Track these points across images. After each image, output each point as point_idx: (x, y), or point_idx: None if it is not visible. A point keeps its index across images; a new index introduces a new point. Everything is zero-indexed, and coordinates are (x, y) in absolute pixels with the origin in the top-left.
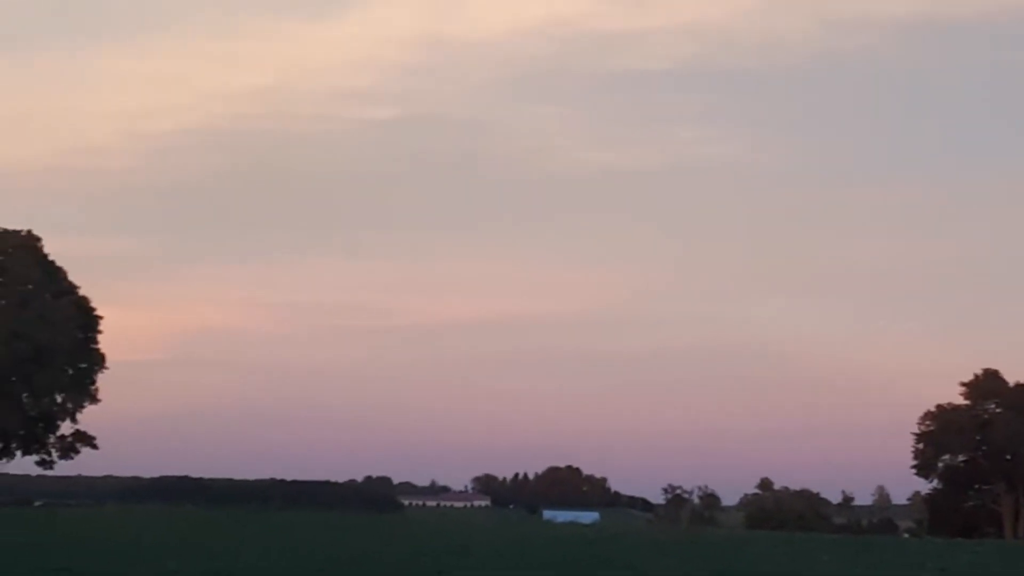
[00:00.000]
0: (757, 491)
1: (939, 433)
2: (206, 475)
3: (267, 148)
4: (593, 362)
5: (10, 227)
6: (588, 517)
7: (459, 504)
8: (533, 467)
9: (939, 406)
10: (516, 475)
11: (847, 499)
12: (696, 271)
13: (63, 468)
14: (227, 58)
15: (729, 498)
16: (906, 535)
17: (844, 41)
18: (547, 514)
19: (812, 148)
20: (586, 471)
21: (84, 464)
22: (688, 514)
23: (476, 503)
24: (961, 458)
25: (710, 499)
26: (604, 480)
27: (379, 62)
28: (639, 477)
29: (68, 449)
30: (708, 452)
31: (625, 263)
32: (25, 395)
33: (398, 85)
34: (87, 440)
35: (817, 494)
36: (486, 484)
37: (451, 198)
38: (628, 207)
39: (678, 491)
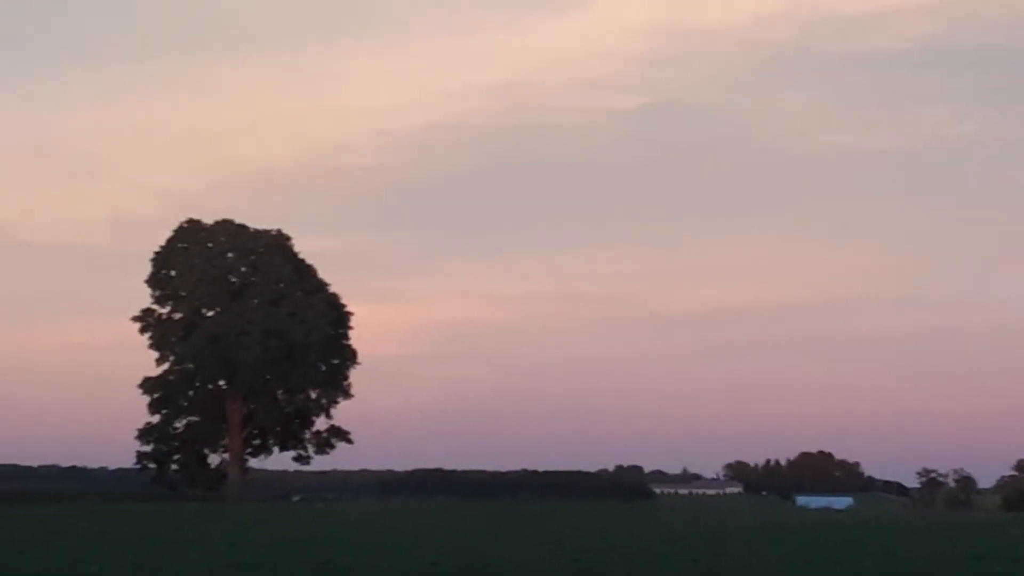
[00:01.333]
0: (1014, 473)
1: None
2: (459, 468)
3: (514, 141)
4: (844, 346)
5: (261, 227)
6: (842, 502)
7: (711, 491)
8: (785, 453)
9: None
10: (768, 461)
11: None
12: (944, 251)
13: (319, 463)
14: (472, 53)
15: (985, 481)
16: None
17: None
18: (800, 500)
19: None
20: (838, 456)
21: (339, 459)
22: (944, 498)
23: (728, 490)
24: None
25: (966, 482)
26: (857, 465)
27: (621, 51)
28: (893, 461)
29: (323, 444)
30: (963, 435)
31: (870, 245)
32: (281, 392)
33: (641, 74)
34: (342, 435)
35: None
36: (738, 471)
37: (698, 184)
38: (873, 188)
39: (933, 475)
